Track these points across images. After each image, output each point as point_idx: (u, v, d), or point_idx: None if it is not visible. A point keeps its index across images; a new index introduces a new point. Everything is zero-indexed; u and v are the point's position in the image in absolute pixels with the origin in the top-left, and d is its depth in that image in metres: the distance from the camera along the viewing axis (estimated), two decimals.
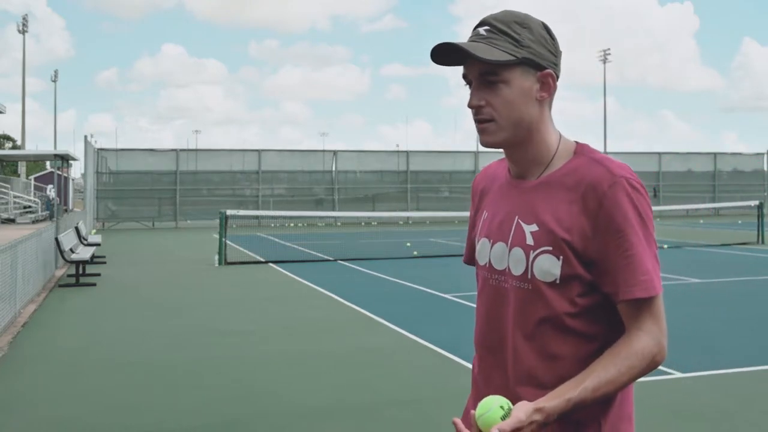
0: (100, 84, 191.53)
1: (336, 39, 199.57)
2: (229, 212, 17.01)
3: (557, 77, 1.63)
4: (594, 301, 1.57)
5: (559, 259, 1.55)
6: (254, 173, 33.18)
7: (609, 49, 64.08)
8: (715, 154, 39.50)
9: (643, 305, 1.54)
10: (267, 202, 32.80)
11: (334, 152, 34.53)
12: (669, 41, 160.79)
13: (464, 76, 1.63)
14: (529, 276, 1.59)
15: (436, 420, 5.25)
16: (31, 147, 66.85)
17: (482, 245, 1.74)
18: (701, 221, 31.82)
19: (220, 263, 15.50)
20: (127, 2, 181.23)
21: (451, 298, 10.73)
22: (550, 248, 1.56)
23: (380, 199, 34.20)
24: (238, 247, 19.34)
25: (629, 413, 1.66)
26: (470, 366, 6.95)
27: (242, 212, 21.05)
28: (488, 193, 1.79)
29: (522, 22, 1.60)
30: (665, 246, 19.38)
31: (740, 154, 41.19)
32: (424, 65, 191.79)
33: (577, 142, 1.67)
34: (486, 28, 1.60)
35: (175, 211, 31.69)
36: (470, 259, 1.89)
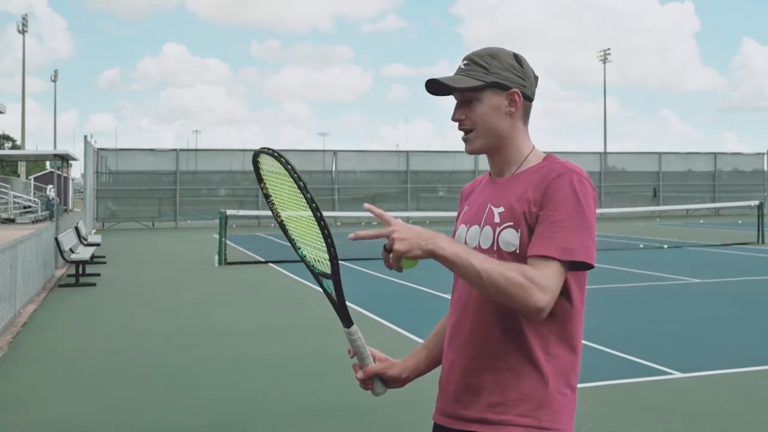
0: (102, 84, 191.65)
1: (337, 39, 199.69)
2: (229, 212, 17.01)
3: (526, 96, 2.00)
4: None
5: (517, 231, 1.89)
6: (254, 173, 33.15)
7: (609, 49, 64.11)
8: (715, 154, 39.52)
9: (544, 262, 1.81)
10: None
11: (335, 152, 34.52)
12: (669, 41, 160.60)
13: (454, 98, 2.04)
14: (495, 248, 1.93)
15: None
16: (31, 147, 66.77)
17: (460, 231, 2.09)
18: (701, 221, 31.81)
19: (220, 263, 15.51)
20: (129, 2, 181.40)
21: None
22: (512, 223, 1.91)
23: (380, 199, 34.19)
24: (238, 247, 19.34)
25: (572, 385, 1.92)
26: None
27: (242, 212, 21.06)
28: (471, 195, 2.17)
29: (493, 54, 2.00)
30: (665, 246, 19.40)
31: (740, 154, 41.26)
32: (426, 65, 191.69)
33: (546, 153, 2.03)
34: (465, 62, 2.02)
35: (175, 211, 31.69)
36: None
